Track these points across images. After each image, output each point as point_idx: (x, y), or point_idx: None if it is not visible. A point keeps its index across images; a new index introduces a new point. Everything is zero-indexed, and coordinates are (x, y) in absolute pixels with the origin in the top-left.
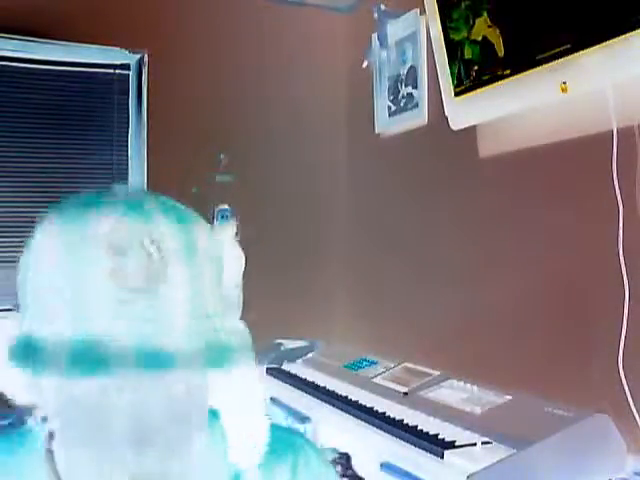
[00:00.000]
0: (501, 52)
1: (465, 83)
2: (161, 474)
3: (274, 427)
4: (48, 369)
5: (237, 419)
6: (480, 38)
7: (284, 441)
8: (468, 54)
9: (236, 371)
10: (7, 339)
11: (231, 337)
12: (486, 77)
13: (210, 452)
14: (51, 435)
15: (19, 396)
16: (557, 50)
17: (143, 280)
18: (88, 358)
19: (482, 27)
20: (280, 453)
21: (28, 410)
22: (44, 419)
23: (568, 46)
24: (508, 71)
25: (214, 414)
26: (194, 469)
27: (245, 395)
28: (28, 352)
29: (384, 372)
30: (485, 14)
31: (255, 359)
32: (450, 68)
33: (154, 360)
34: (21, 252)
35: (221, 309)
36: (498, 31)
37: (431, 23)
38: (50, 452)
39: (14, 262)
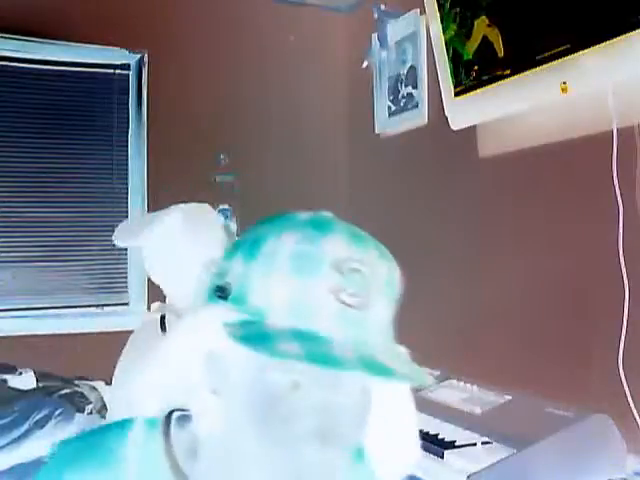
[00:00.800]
0: (501, 52)
1: (465, 83)
2: (328, 473)
3: None
4: (280, 353)
5: (385, 439)
6: (480, 38)
7: None
8: (468, 54)
9: (395, 395)
10: (219, 323)
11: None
12: (486, 77)
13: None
14: (168, 421)
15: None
16: (557, 50)
17: (357, 301)
18: (322, 349)
19: (482, 27)
20: None
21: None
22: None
23: (568, 46)
24: (508, 71)
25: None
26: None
27: (399, 421)
28: (255, 335)
29: None
30: (484, 14)
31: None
32: (450, 68)
33: (374, 367)
34: (21, 252)
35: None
36: (497, 31)
37: (431, 23)
38: (168, 437)
39: (15, 262)
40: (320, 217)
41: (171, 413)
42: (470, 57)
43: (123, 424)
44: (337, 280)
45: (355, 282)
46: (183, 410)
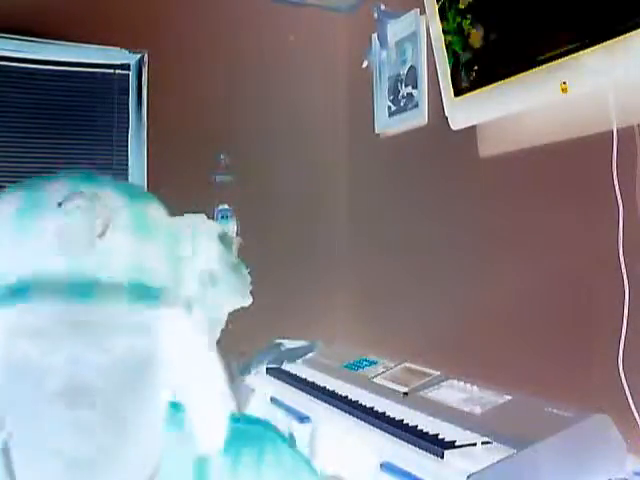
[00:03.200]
0: (501, 52)
1: (465, 83)
2: (99, 440)
3: (243, 418)
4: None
5: (198, 406)
6: (479, 38)
7: (251, 432)
8: (467, 54)
9: (198, 354)
10: None
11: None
12: (486, 77)
13: (169, 436)
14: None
15: None
16: (557, 50)
17: (85, 238)
18: (17, 288)
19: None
20: (246, 442)
21: None
22: None
23: (568, 46)
24: (508, 71)
25: (176, 406)
26: (140, 441)
27: (206, 381)
28: None
29: (384, 372)
30: (480, 15)
31: (257, 356)
32: (450, 68)
33: (75, 290)
34: None
35: (172, 280)
36: (497, 31)
37: (431, 23)
38: (6, 450)
39: None
40: (52, 175)
41: None
42: (470, 57)
43: None
44: (60, 220)
45: (78, 218)
46: None
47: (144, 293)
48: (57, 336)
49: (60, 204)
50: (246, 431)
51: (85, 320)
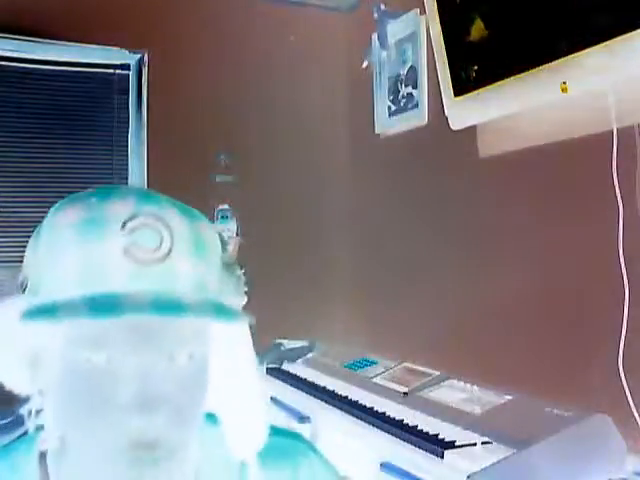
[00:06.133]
0: (501, 52)
1: (465, 83)
2: (163, 441)
3: (277, 430)
4: (65, 315)
5: (236, 416)
6: (479, 38)
7: (285, 445)
8: (467, 54)
9: (236, 366)
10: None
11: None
12: (486, 77)
13: (212, 440)
14: (39, 429)
15: (19, 385)
16: (557, 50)
17: (153, 256)
18: (104, 301)
19: (481, 27)
20: (281, 456)
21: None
22: (37, 412)
23: (568, 46)
24: (508, 71)
25: (212, 418)
26: (194, 445)
27: (245, 392)
28: (43, 309)
29: (384, 372)
30: (480, 16)
31: (257, 356)
32: (450, 68)
33: (165, 305)
34: (21, 252)
35: (220, 290)
36: (496, 31)
37: (431, 23)
38: (43, 455)
39: (15, 262)
40: (106, 187)
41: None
42: (470, 57)
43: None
44: (127, 239)
45: (147, 236)
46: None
47: (222, 311)
48: (125, 346)
49: (125, 223)
50: (280, 444)
51: (152, 330)
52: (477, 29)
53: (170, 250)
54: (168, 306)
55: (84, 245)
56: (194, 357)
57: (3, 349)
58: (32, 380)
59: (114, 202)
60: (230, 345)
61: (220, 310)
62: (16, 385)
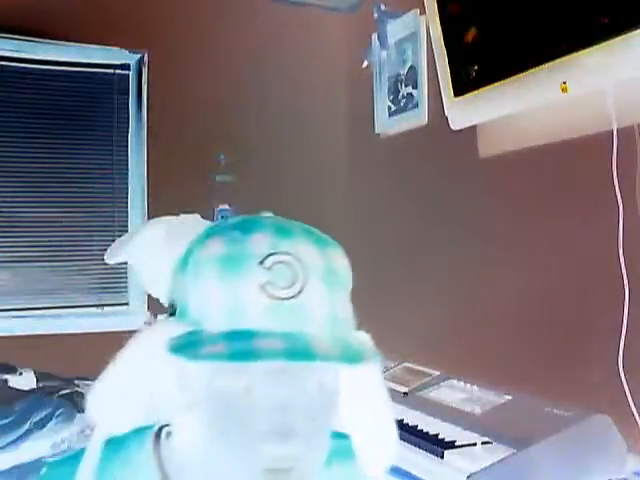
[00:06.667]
0: (501, 52)
1: (465, 83)
2: (297, 468)
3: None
4: (206, 358)
5: (369, 435)
6: (479, 38)
7: (343, 446)
8: (467, 54)
9: (368, 390)
10: (164, 339)
11: (363, 343)
12: (486, 77)
13: (341, 459)
14: (158, 435)
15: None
16: (557, 50)
17: (287, 293)
18: (241, 347)
19: (480, 29)
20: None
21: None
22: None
23: (568, 46)
24: (508, 71)
25: (343, 436)
26: (319, 465)
27: (377, 413)
28: (186, 345)
29: (384, 372)
30: (481, 15)
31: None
32: (450, 68)
33: (297, 352)
34: (21, 252)
35: (351, 325)
36: (497, 30)
37: (431, 23)
38: (157, 450)
39: (15, 262)
40: (247, 218)
41: (161, 429)
42: (470, 57)
43: (112, 444)
44: (264, 276)
45: (282, 274)
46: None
47: (350, 356)
48: (264, 378)
49: (262, 261)
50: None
51: (288, 367)
52: (477, 30)
53: (303, 286)
54: (299, 353)
55: (225, 280)
56: (324, 386)
57: (155, 365)
58: (181, 393)
59: (253, 237)
60: (360, 371)
61: (348, 354)
62: (167, 400)
